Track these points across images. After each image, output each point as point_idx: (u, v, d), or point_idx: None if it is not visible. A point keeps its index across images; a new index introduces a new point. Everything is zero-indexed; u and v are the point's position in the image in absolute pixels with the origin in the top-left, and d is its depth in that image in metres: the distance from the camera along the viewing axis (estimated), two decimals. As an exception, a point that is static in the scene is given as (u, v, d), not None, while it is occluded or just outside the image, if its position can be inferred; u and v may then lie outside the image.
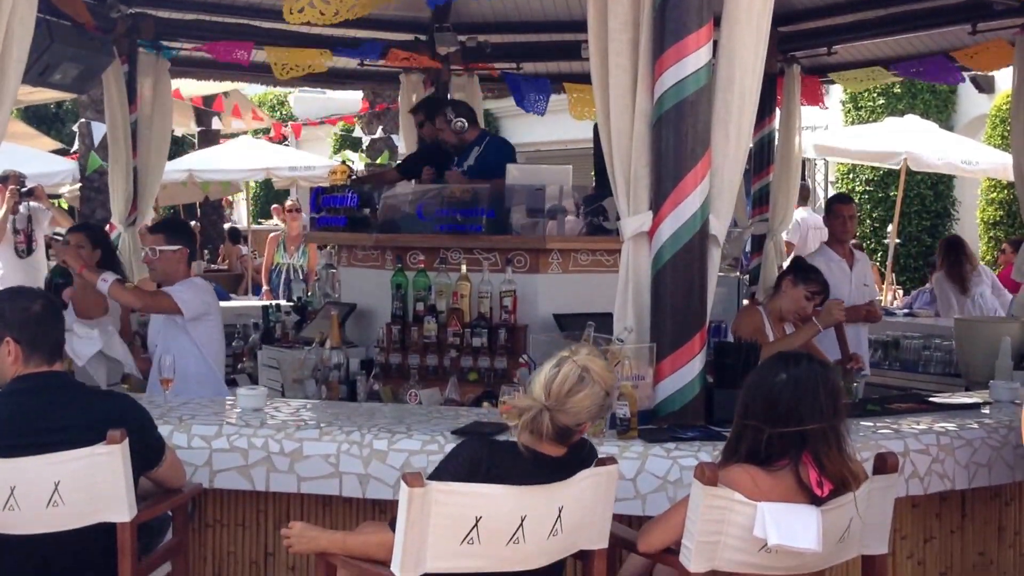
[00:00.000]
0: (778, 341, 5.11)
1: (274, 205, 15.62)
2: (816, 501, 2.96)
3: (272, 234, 12.25)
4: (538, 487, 2.96)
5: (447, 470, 3.00)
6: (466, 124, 6.54)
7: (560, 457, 3.05)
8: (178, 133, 14.68)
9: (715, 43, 4.00)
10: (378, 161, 12.32)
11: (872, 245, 13.97)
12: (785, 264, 7.84)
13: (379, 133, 12.60)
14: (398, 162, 8.40)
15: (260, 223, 18.34)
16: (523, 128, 15.90)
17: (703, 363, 3.95)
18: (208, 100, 14.25)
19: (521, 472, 2.98)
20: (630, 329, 4.00)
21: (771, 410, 3.01)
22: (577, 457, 3.09)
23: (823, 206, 9.73)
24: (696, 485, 2.96)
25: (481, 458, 2.99)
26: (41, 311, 3.36)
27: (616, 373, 3.69)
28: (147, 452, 3.42)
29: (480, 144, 6.69)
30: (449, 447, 3.38)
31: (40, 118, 22.14)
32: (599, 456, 3.16)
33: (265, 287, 11.32)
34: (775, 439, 3.00)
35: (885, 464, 3.16)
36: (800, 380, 3.02)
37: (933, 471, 3.80)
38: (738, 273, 7.55)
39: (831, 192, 14.62)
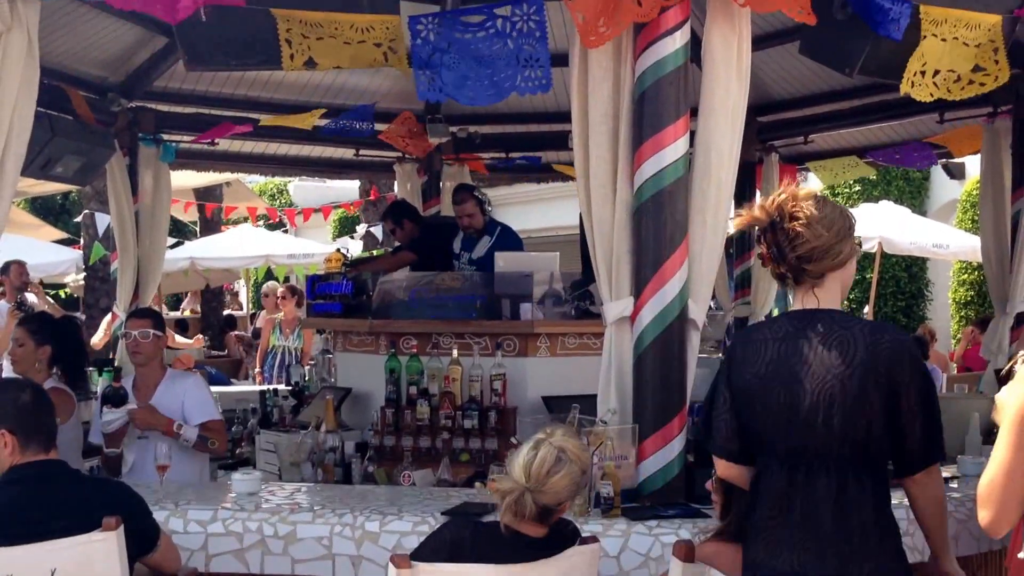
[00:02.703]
0: None
1: (263, 295, 15.46)
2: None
3: (268, 317, 12.24)
4: (522, 566, 3.02)
5: (427, 547, 3.10)
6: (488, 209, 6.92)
7: (542, 538, 3.11)
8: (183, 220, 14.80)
9: (692, 132, 4.14)
10: (374, 252, 12.46)
11: (849, 326, 14.17)
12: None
13: (365, 226, 12.73)
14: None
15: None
16: (514, 215, 16.11)
17: (683, 443, 4.07)
18: (208, 192, 14.49)
19: (503, 554, 3.04)
20: (613, 411, 4.12)
21: None
22: (559, 537, 3.15)
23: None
24: (674, 562, 3.05)
25: (463, 539, 3.07)
26: (31, 400, 3.41)
27: (600, 454, 3.83)
28: (142, 538, 3.47)
29: (491, 234, 6.87)
30: (438, 528, 3.46)
31: (47, 209, 22.44)
32: (582, 535, 3.24)
33: (257, 370, 11.30)
34: None
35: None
36: None
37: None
38: (720, 355, 7.69)
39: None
